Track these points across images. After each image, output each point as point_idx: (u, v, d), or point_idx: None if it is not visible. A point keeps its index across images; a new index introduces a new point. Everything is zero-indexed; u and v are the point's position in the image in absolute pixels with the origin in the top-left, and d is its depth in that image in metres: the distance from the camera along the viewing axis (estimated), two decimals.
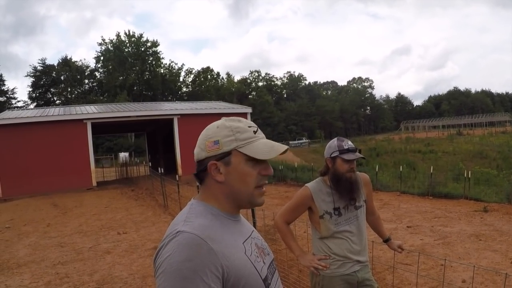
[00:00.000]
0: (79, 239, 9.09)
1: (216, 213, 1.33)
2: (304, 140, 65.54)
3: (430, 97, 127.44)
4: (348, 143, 2.85)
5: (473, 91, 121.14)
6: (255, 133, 1.36)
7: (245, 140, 1.33)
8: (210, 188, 1.36)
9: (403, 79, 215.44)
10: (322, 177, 2.98)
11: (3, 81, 58.28)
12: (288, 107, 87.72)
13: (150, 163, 24.49)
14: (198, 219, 1.28)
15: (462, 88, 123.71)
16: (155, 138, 31.97)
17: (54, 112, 21.87)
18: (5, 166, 17.76)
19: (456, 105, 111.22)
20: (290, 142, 63.43)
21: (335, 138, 2.96)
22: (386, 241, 3.20)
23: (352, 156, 2.80)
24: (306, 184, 3.00)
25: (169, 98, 73.77)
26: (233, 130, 1.34)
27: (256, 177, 1.33)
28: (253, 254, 1.34)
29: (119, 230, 9.71)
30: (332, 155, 2.86)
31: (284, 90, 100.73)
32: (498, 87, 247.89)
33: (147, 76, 75.27)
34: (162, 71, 77.65)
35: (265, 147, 1.33)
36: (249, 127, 1.37)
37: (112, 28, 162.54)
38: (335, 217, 2.84)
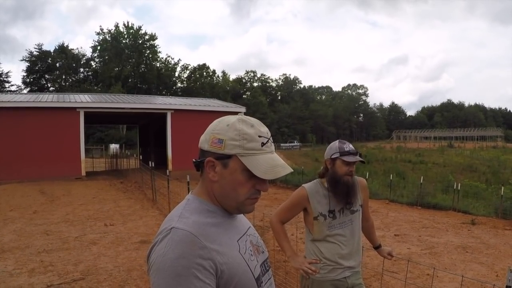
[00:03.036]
0: (65, 228, 9.02)
1: (212, 210, 1.33)
2: (295, 143, 65.68)
3: (423, 108, 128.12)
4: (350, 146, 2.85)
5: (466, 104, 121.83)
6: (262, 146, 1.30)
7: (250, 150, 1.28)
8: (205, 183, 1.35)
9: (398, 88, 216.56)
10: (320, 178, 2.96)
11: None
12: (282, 109, 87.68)
13: (141, 156, 24.37)
14: (193, 215, 1.27)
15: (455, 101, 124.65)
16: (148, 132, 31.86)
17: (48, 99, 21.61)
18: None
19: (448, 117, 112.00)
20: (282, 144, 63.50)
21: (337, 140, 2.96)
22: (377, 248, 3.18)
23: (352, 159, 2.79)
24: (303, 185, 2.99)
25: (164, 92, 73.42)
26: (240, 135, 1.29)
27: (250, 189, 1.30)
28: (247, 252, 1.33)
29: (106, 222, 9.65)
30: (333, 157, 2.85)
31: (279, 92, 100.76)
32: (491, 102, 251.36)
33: (142, 69, 74.89)
34: (158, 65, 77.31)
35: (267, 165, 1.27)
36: (259, 136, 1.31)
37: (112, 18, 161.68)
38: (329, 220, 2.82)
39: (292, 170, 1.34)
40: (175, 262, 1.13)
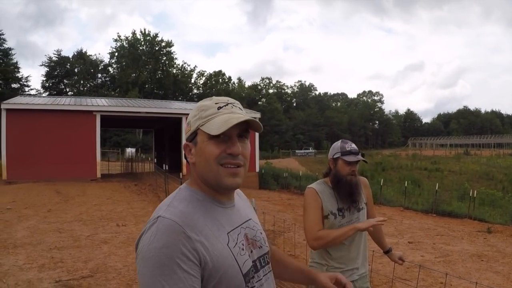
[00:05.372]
0: (78, 227, 9.07)
1: (202, 199, 1.31)
2: (310, 150, 65.47)
3: (439, 115, 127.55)
4: (351, 146, 2.81)
5: (483, 111, 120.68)
6: (219, 109, 1.28)
7: (207, 117, 1.28)
8: (192, 171, 1.36)
9: (414, 95, 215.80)
10: (324, 178, 2.92)
11: (18, 68, 58.47)
12: (297, 116, 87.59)
13: (155, 160, 24.50)
14: (182, 204, 1.26)
15: (472, 107, 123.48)
16: (163, 136, 32.01)
17: (65, 102, 21.93)
18: (12, 150, 17.78)
19: (465, 124, 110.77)
20: (297, 151, 63.39)
21: (339, 140, 2.93)
22: (387, 252, 3.09)
23: (353, 158, 2.74)
24: (308, 186, 2.92)
25: (180, 98, 73.91)
26: (198, 108, 1.32)
27: (218, 155, 1.26)
28: (237, 245, 1.30)
29: (118, 222, 9.68)
30: (334, 156, 2.82)
31: (294, 99, 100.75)
32: (508, 108, 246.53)
33: (159, 75, 75.58)
34: (174, 71, 77.99)
35: (221, 121, 1.24)
36: (216, 103, 1.31)
37: (130, 25, 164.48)
38: (339, 218, 2.75)
39: (251, 118, 1.27)
40: (159, 251, 1.13)
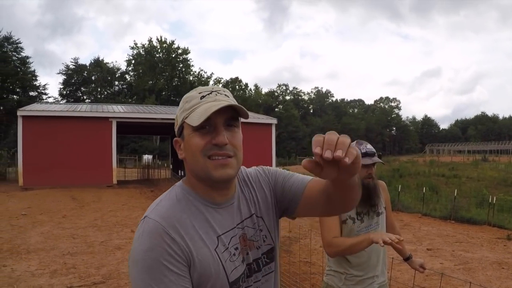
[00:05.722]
0: (92, 232, 9.06)
1: (193, 198, 1.24)
2: None
3: (457, 121, 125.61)
4: (367, 147, 2.66)
5: (500, 117, 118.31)
6: (202, 98, 1.20)
7: (190, 108, 1.20)
8: (185, 168, 1.29)
9: (431, 101, 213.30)
10: None
11: (36, 76, 59.40)
12: (314, 122, 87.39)
13: (172, 166, 24.57)
14: (170, 203, 1.22)
15: (490, 113, 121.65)
16: None
17: (81, 108, 22.15)
18: (28, 157, 17.99)
19: (483, 130, 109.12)
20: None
21: (354, 141, 2.74)
22: (407, 259, 2.90)
23: (368, 161, 2.60)
24: None
25: None
26: (183, 100, 1.25)
27: (204, 147, 1.17)
28: (228, 250, 1.22)
29: (133, 228, 9.64)
30: None
31: (311, 106, 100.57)
32: None
33: (176, 82, 76.06)
34: (191, 78, 78.33)
35: (202, 110, 1.16)
36: (199, 93, 1.22)
37: (147, 33, 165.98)
38: (358, 223, 2.62)
39: (233, 103, 1.19)
40: (145, 254, 1.10)
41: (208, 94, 1.21)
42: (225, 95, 1.24)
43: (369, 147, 2.68)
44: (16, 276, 5.66)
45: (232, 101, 1.22)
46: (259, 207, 1.36)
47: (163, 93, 74.74)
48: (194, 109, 1.18)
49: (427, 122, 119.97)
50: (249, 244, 1.29)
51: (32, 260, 6.52)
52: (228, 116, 1.20)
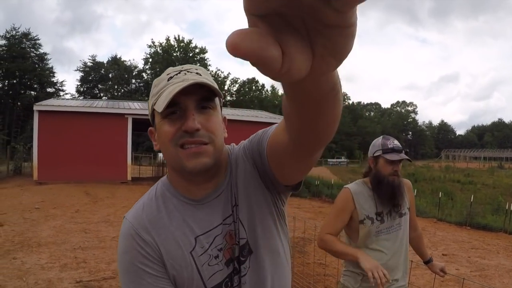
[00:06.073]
0: (104, 228, 9.00)
1: (171, 195, 1.13)
2: (343, 159, 64.74)
3: (473, 127, 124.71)
4: (394, 142, 2.50)
5: None
6: (170, 80, 1.03)
7: (157, 93, 1.05)
8: None
9: (448, 107, 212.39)
10: (363, 178, 2.62)
11: (54, 73, 60.35)
12: None
13: None
14: (147, 202, 1.14)
15: (507, 120, 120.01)
16: None
17: (97, 105, 22.18)
18: (44, 152, 18.05)
19: (499, 137, 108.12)
20: (329, 160, 62.80)
21: (381, 136, 2.62)
22: (427, 262, 2.77)
23: (395, 157, 2.43)
24: (345, 186, 2.62)
25: None
26: (153, 85, 1.10)
27: (174, 135, 1.01)
28: (207, 253, 1.07)
29: None
30: (375, 155, 2.52)
31: None
32: None
33: None
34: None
35: (166, 94, 0.99)
36: (168, 74, 1.06)
37: (165, 32, 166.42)
38: (377, 224, 2.44)
39: (198, 80, 0.99)
40: (122, 257, 1.07)
41: (176, 75, 1.04)
42: (197, 73, 1.06)
43: (396, 143, 2.52)
44: (25, 268, 5.59)
45: (205, 79, 1.04)
46: (236, 192, 1.13)
47: None
48: (161, 93, 1.03)
49: (444, 128, 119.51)
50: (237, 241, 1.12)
51: (42, 254, 6.45)
52: (199, 97, 1.02)
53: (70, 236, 7.91)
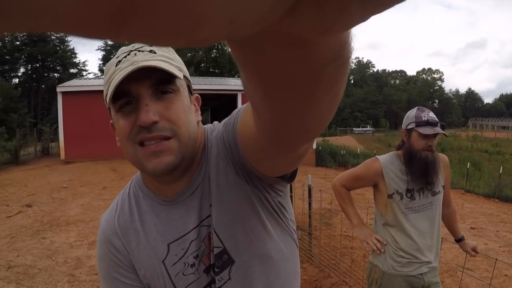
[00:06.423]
0: None
1: (144, 194, 0.99)
2: (368, 128, 64.10)
3: (501, 96, 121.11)
4: (429, 115, 2.35)
5: None
6: (118, 65, 0.84)
7: (108, 82, 0.87)
8: None
9: (475, 74, 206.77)
10: (397, 151, 2.50)
11: (75, 54, 61.16)
12: (355, 93, 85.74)
13: None
14: (120, 203, 1.03)
15: None
16: (217, 114, 32.16)
17: None
18: (69, 131, 18.34)
19: None
20: (354, 129, 62.24)
21: (415, 108, 2.47)
22: (459, 240, 2.67)
23: (430, 131, 2.29)
24: (376, 156, 2.52)
25: (236, 76, 74.38)
26: (105, 71, 0.91)
27: (130, 131, 0.84)
28: (181, 261, 0.93)
29: None
30: (408, 127, 2.38)
31: (352, 76, 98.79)
32: None
33: (214, 53, 76.08)
34: (229, 50, 78.22)
35: (114, 83, 0.82)
36: (117, 57, 0.87)
37: None
38: (407, 200, 2.35)
39: (146, 63, 0.81)
40: (99, 264, 1.03)
41: (125, 57, 0.84)
42: (150, 50, 0.86)
43: (432, 115, 2.37)
44: (54, 248, 5.72)
45: (160, 58, 0.85)
46: (209, 189, 0.93)
47: (202, 65, 74.97)
48: (110, 82, 0.85)
49: (471, 96, 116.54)
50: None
51: (71, 232, 6.58)
52: (155, 81, 0.84)
53: (98, 213, 7.99)
